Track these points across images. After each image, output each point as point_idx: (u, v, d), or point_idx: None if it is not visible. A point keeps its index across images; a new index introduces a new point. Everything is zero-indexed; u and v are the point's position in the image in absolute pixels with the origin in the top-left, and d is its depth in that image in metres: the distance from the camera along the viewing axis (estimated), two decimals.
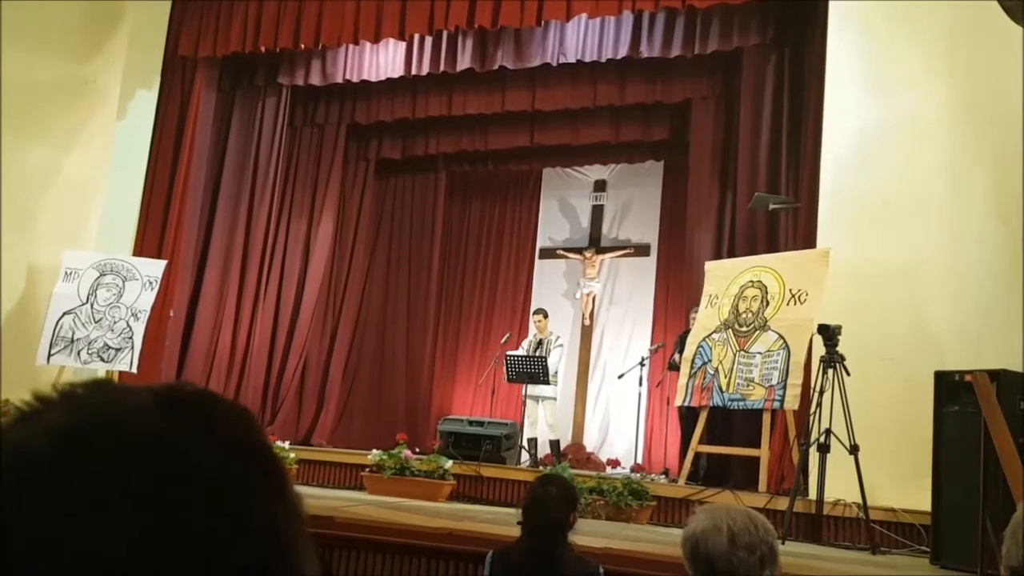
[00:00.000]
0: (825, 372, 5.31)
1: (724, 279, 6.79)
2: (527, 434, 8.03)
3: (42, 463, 0.45)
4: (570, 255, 10.01)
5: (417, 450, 6.99)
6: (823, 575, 4.17)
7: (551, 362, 8.30)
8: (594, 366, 9.71)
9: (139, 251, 8.45)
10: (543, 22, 7.81)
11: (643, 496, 5.82)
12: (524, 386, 8.20)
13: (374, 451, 6.75)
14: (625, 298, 9.80)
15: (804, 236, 6.84)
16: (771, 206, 7.09)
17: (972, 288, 5.67)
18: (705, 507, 1.87)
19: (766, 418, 6.22)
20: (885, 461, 5.43)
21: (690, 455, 6.58)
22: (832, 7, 6.64)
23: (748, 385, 6.29)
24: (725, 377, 6.43)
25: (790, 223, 7.33)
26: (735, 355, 6.43)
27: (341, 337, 10.14)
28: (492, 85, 9.05)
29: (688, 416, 7.06)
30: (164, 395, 0.50)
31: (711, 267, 7.08)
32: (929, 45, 6.16)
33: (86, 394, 0.50)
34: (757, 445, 6.25)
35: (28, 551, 0.42)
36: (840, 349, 5.35)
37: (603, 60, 8.27)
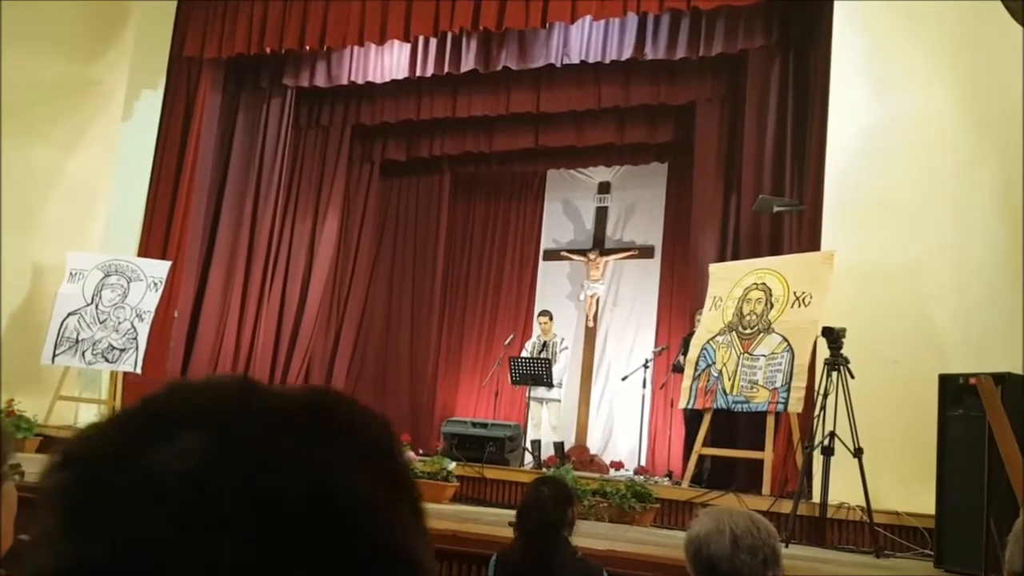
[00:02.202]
0: (829, 375, 5.30)
1: (728, 281, 6.78)
2: (531, 436, 8.03)
3: (188, 491, 0.41)
4: (574, 257, 10.01)
5: (421, 451, 6.99)
6: None
7: (558, 367, 8.31)
8: (598, 368, 9.71)
9: (144, 252, 8.47)
10: (548, 23, 7.81)
11: (646, 498, 5.80)
12: (528, 388, 8.20)
13: None
14: (629, 300, 9.79)
15: (808, 238, 6.83)
16: (775, 208, 7.08)
17: (977, 291, 5.66)
18: (708, 510, 1.87)
19: (770, 421, 6.21)
20: (889, 464, 5.42)
21: (694, 457, 6.57)
22: (837, 9, 6.63)
23: (752, 387, 6.28)
24: (729, 379, 6.42)
25: (794, 225, 7.32)
26: (739, 357, 6.42)
27: (345, 338, 10.15)
28: (496, 86, 9.06)
29: (692, 418, 7.06)
30: (314, 410, 0.47)
31: (715, 269, 7.08)
32: (933, 47, 6.15)
33: (229, 409, 0.46)
34: (761, 448, 6.24)
35: None
36: (844, 352, 5.33)
37: (607, 62, 8.27)
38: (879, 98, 6.31)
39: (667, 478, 7.42)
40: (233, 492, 0.41)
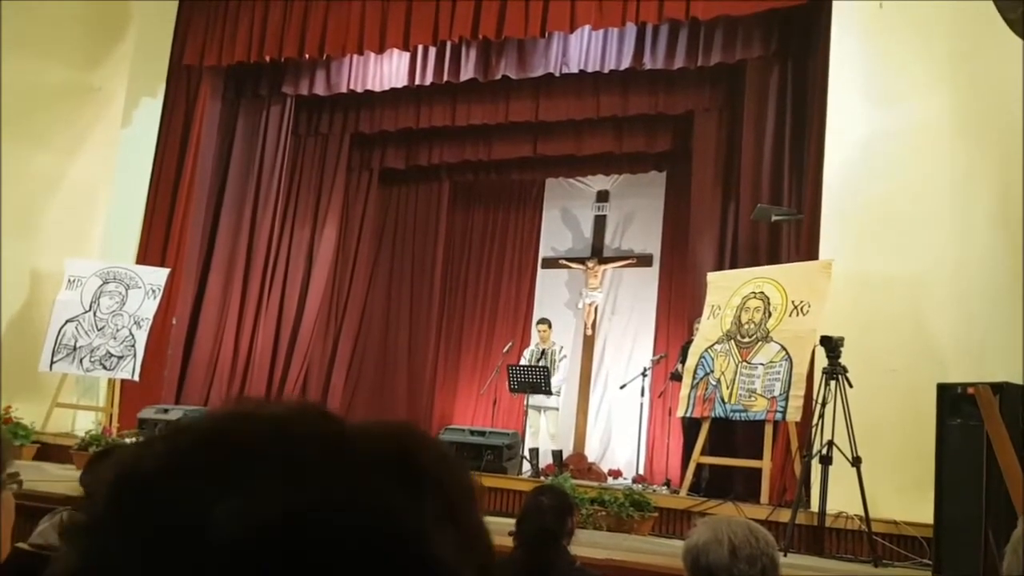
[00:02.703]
0: (827, 384, 5.30)
1: (726, 290, 6.79)
2: (528, 444, 8.01)
3: (261, 559, 0.37)
4: (572, 265, 10.02)
5: None
6: None
7: (558, 376, 8.31)
8: (596, 376, 9.70)
9: (142, 259, 8.47)
10: (547, 33, 7.84)
11: (645, 507, 5.80)
12: (526, 396, 8.19)
13: None
14: (627, 308, 9.79)
15: (806, 247, 6.84)
16: (773, 217, 7.09)
17: (975, 300, 5.67)
18: (706, 519, 1.87)
19: (768, 429, 6.21)
20: (887, 473, 5.42)
21: (692, 466, 6.56)
22: (835, 19, 6.66)
23: (750, 396, 6.28)
24: (727, 388, 6.42)
25: (792, 234, 7.33)
26: (737, 366, 6.42)
27: (343, 346, 10.15)
28: (495, 95, 9.08)
29: (690, 427, 7.05)
30: (404, 458, 0.42)
31: (713, 278, 7.08)
32: (932, 56, 6.17)
33: (313, 453, 0.40)
34: (759, 457, 6.23)
35: None
36: (842, 361, 5.34)
37: (606, 71, 8.29)
38: (877, 108, 6.33)
39: (665, 487, 7.40)
40: (312, 559, 0.37)
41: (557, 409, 8.61)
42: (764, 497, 6.02)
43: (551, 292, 10.20)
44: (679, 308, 9.07)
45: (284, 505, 0.38)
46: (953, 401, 4.69)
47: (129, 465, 0.41)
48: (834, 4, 6.67)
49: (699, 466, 6.63)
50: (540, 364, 8.31)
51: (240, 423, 0.42)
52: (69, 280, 7.83)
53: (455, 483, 0.45)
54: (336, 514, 0.38)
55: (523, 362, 8.52)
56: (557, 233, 10.41)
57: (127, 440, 6.30)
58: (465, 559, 0.42)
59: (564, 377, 8.57)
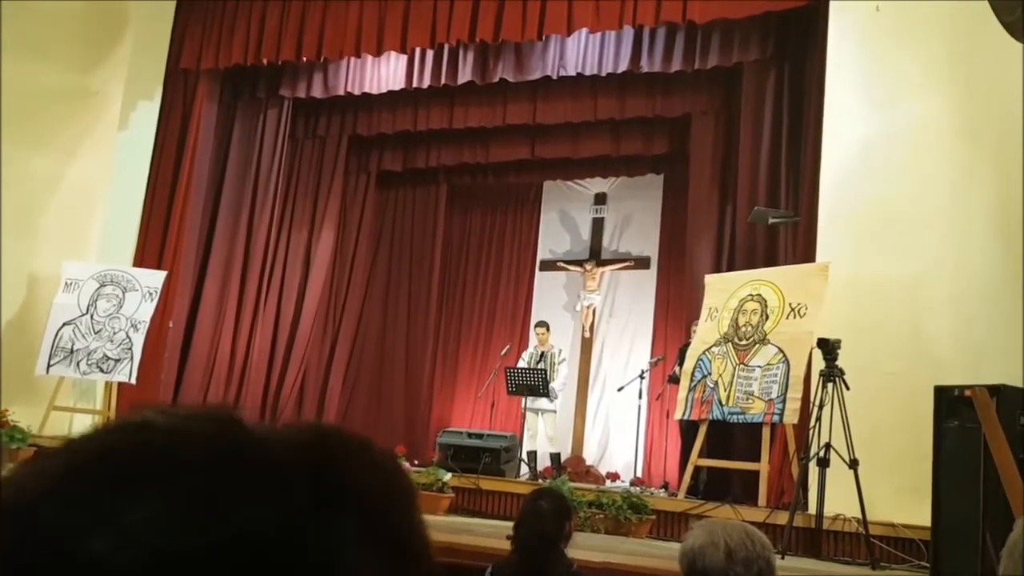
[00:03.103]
0: (825, 386, 5.30)
1: (724, 292, 6.79)
2: (527, 447, 8.01)
3: None
4: (570, 267, 10.02)
5: (416, 462, 6.98)
6: None
7: (557, 379, 8.30)
8: (594, 379, 9.70)
9: (139, 261, 8.46)
10: (544, 36, 7.84)
11: (642, 510, 5.80)
12: (524, 398, 8.18)
13: None
14: (625, 311, 9.79)
15: (804, 250, 6.85)
16: (770, 220, 7.10)
17: (972, 302, 5.67)
18: (702, 522, 1.87)
19: (766, 432, 6.21)
20: (885, 476, 5.42)
21: (690, 469, 6.56)
22: (832, 21, 6.66)
23: (748, 399, 6.28)
24: (725, 390, 6.42)
25: (790, 237, 7.34)
26: (735, 368, 6.42)
27: (341, 348, 10.14)
28: (493, 98, 9.08)
29: (688, 429, 7.05)
30: (318, 469, 0.38)
31: (711, 280, 7.09)
32: (929, 58, 6.18)
33: (212, 463, 0.37)
34: (757, 459, 6.23)
35: None
36: (840, 363, 5.34)
37: (603, 74, 8.30)
38: (874, 110, 6.34)
39: (663, 489, 7.40)
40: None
41: (555, 412, 8.60)
42: (762, 500, 6.02)
43: (549, 295, 10.20)
44: (677, 310, 9.07)
45: (167, 534, 0.34)
46: (950, 403, 4.69)
47: (12, 489, 0.37)
48: (831, 7, 6.68)
49: (697, 468, 6.63)
50: (539, 367, 8.31)
51: (130, 437, 0.38)
52: (66, 283, 7.82)
53: (385, 493, 0.40)
54: (226, 545, 0.34)
55: (522, 364, 8.52)
56: (555, 235, 10.41)
57: None
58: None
59: (564, 380, 8.57)
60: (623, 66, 8.14)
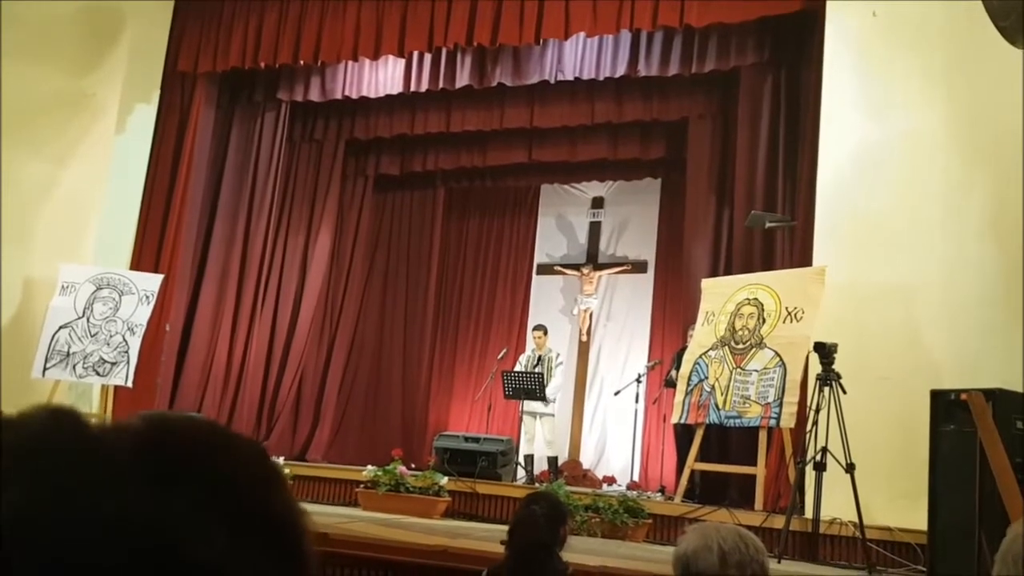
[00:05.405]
0: (821, 390, 5.30)
1: (721, 296, 6.80)
2: (524, 451, 8.00)
3: None
4: (567, 271, 10.02)
5: (412, 466, 6.96)
6: None
7: (554, 382, 8.30)
8: (591, 383, 9.70)
9: (136, 265, 8.44)
10: (541, 40, 7.85)
11: (639, 514, 5.79)
12: (521, 402, 8.18)
13: (369, 467, 6.73)
14: (622, 315, 9.80)
15: (800, 254, 6.86)
16: (767, 224, 7.10)
17: (969, 307, 5.68)
18: (695, 526, 1.86)
19: (762, 436, 6.21)
20: (881, 480, 5.42)
21: (686, 472, 6.56)
22: (828, 27, 6.68)
23: (744, 403, 6.28)
24: (721, 394, 6.43)
25: (786, 241, 7.35)
26: (731, 372, 6.42)
27: (337, 352, 10.12)
28: (490, 102, 9.09)
29: (684, 433, 7.05)
30: (145, 451, 0.39)
31: (708, 284, 7.09)
32: (926, 65, 6.19)
33: (35, 455, 0.38)
34: (753, 463, 6.23)
35: None
36: (836, 367, 5.34)
37: (601, 78, 8.31)
38: (870, 116, 6.35)
39: (660, 493, 7.40)
40: (31, 567, 0.34)
41: (553, 415, 8.60)
42: (758, 504, 6.02)
43: (546, 298, 10.20)
44: (674, 314, 9.07)
45: (11, 525, 0.35)
46: (946, 407, 4.69)
47: None
48: (827, 12, 6.69)
49: (693, 472, 6.63)
50: (536, 370, 8.30)
51: None
52: (62, 286, 7.80)
53: (217, 465, 0.40)
54: (57, 523, 0.35)
55: (519, 368, 8.51)
56: (552, 239, 10.41)
57: None
58: (248, 553, 0.38)
59: (561, 384, 8.57)
60: (620, 70, 8.15)
